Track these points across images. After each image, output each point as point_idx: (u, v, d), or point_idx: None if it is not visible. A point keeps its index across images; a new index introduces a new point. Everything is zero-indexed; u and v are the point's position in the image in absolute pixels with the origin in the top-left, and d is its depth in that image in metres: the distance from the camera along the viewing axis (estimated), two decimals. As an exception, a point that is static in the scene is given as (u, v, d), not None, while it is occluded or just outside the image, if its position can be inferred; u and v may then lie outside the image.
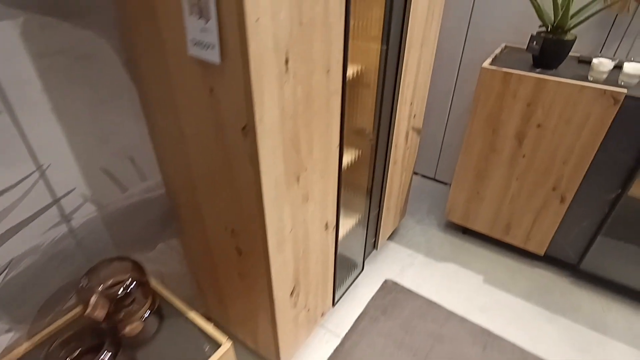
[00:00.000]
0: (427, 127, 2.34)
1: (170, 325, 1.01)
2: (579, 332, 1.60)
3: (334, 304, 1.56)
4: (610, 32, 1.63)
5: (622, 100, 1.37)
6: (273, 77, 0.76)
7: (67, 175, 0.94)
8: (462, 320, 1.63)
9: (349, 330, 1.58)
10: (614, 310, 1.70)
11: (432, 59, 1.55)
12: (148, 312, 0.96)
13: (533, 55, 1.59)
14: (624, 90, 1.35)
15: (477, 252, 1.98)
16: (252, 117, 0.76)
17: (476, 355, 1.49)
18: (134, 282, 0.93)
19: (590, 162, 1.52)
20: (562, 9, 1.46)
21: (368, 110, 1.30)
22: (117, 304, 0.89)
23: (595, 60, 1.45)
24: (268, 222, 0.93)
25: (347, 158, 1.33)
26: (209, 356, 0.93)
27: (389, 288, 1.76)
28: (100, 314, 0.85)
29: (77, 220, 0.99)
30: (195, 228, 1.20)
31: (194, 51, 0.76)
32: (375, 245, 1.82)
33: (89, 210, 1.01)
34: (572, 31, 1.55)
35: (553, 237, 1.77)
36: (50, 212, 0.92)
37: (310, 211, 1.10)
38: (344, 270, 1.64)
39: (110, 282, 0.95)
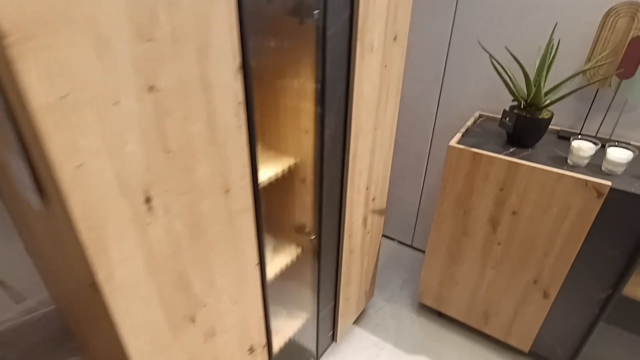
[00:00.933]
0: (402, 191, 2.16)
1: None
2: None
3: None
4: (593, 106, 1.46)
5: (606, 193, 1.19)
6: (125, 223, 0.58)
7: None
8: None
9: None
10: None
11: (392, 137, 1.38)
12: None
13: (507, 132, 1.42)
14: (609, 183, 1.17)
15: (453, 340, 1.75)
16: (94, 277, 0.57)
17: None
18: None
19: (574, 256, 1.32)
20: (534, 86, 1.30)
21: (307, 206, 1.12)
22: None
23: (574, 144, 1.28)
24: (147, 382, 0.72)
25: (284, 260, 1.13)
26: None
27: (348, 392, 1.52)
28: None
29: None
30: (93, 348, 0.99)
31: (18, 187, 0.58)
32: (334, 338, 1.59)
33: None
34: (550, 107, 1.39)
35: (538, 333, 1.54)
36: None
37: (221, 344, 0.89)
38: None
39: None
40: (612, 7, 1.29)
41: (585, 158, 1.27)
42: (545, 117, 1.34)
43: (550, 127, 1.54)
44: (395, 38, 1.14)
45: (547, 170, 1.24)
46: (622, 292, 1.30)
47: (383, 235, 2.45)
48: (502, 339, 1.64)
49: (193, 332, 0.79)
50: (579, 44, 1.41)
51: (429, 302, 1.78)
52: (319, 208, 1.10)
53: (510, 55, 1.48)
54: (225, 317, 0.87)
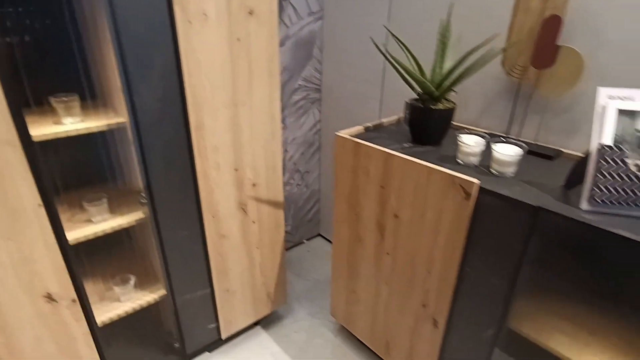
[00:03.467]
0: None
1: None
2: None
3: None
4: (517, 105, 1.21)
5: (475, 195, 0.95)
6: None
7: None
8: None
9: None
10: None
11: (274, 123, 1.31)
12: None
13: (409, 128, 1.25)
14: (476, 181, 0.94)
15: (361, 370, 1.51)
16: None
17: None
18: None
19: (455, 276, 1.07)
20: (420, 71, 1.14)
21: (134, 164, 1.11)
22: None
23: (461, 137, 1.07)
24: None
25: (120, 221, 1.13)
26: None
27: (215, 393, 1.40)
28: None
29: None
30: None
31: None
32: (219, 334, 1.50)
33: None
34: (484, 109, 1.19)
35: (436, 375, 1.25)
36: None
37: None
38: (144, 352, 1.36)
39: None
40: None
41: (471, 155, 1.05)
42: (445, 107, 1.15)
43: (477, 130, 1.31)
44: (250, 12, 1.12)
45: (417, 164, 1.05)
46: (509, 327, 1.00)
47: (323, 238, 2.28)
48: (404, 376, 1.37)
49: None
50: (495, 31, 1.20)
51: (340, 320, 1.58)
52: (144, 166, 1.08)
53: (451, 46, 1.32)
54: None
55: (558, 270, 0.86)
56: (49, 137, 0.96)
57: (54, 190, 1.24)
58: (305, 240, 2.28)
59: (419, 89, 1.19)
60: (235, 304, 1.49)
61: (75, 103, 1.01)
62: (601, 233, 0.77)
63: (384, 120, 1.42)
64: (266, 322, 1.73)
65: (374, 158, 1.16)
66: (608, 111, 0.81)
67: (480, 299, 1.04)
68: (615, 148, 0.79)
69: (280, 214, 1.48)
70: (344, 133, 1.26)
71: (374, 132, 1.32)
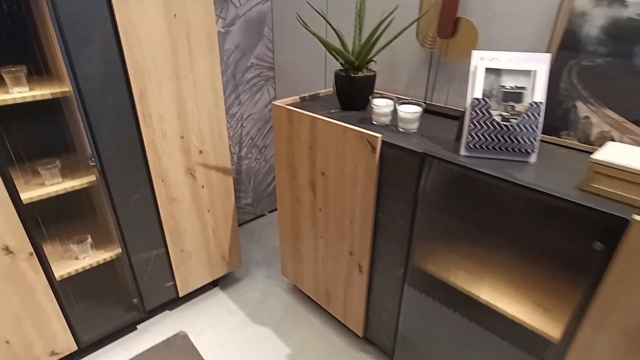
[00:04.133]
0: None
1: None
2: None
3: (79, 344, 1.41)
4: (431, 73, 1.35)
5: (379, 148, 1.10)
6: None
7: None
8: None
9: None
10: None
11: (217, 95, 1.43)
12: None
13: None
14: (379, 135, 1.08)
15: (307, 321, 1.66)
16: None
17: None
18: None
19: (372, 225, 1.22)
20: (343, 45, 1.27)
21: (81, 131, 1.22)
22: None
23: (374, 101, 1.21)
24: None
25: (72, 183, 1.25)
26: None
27: (171, 343, 1.54)
28: None
29: None
30: None
31: None
32: (177, 292, 1.64)
33: None
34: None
35: (365, 317, 1.41)
36: None
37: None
38: (100, 309, 1.49)
39: None
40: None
41: (382, 115, 1.19)
42: (365, 75, 1.28)
43: (390, 94, 1.45)
44: (186, -10, 1.23)
45: (335, 124, 1.18)
46: (416, 265, 1.16)
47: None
48: (343, 320, 1.53)
49: None
50: (410, 5, 1.33)
51: (290, 278, 1.73)
52: (91, 132, 1.20)
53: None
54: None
55: (446, 208, 1.01)
56: (-2, 104, 1.06)
57: (8, 159, 1.34)
58: (266, 213, 2.42)
59: (342, 60, 1.32)
60: (190, 264, 1.62)
61: (22, 74, 1.11)
62: (470, 171, 0.92)
63: (321, 91, 1.55)
64: (224, 283, 1.87)
65: (303, 123, 1.30)
66: (478, 70, 0.95)
67: (392, 241, 1.19)
68: (482, 101, 0.94)
69: (230, 180, 1.61)
70: (280, 102, 1.39)
71: (309, 102, 1.45)
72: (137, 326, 1.63)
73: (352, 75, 1.28)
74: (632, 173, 0.75)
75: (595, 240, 0.76)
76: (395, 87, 1.51)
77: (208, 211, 1.59)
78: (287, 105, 1.36)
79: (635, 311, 0.74)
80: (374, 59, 1.29)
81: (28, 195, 1.17)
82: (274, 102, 1.39)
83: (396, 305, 1.28)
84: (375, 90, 1.51)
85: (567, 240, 0.81)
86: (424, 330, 1.21)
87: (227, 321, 1.67)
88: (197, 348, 1.53)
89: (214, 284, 1.85)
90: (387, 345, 1.38)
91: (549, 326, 0.91)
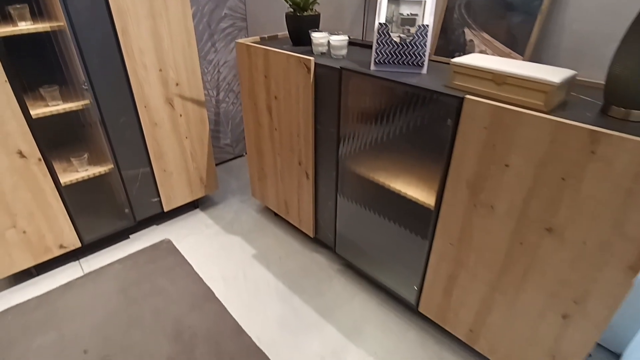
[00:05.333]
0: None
1: None
2: (302, 315, 1.54)
3: (82, 242, 1.74)
4: (366, 14, 1.61)
5: (313, 69, 1.38)
6: None
7: None
8: (198, 282, 1.67)
9: (95, 270, 1.73)
10: (360, 301, 1.59)
11: (189, 35, 1.69)
12: None
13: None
14: (311, 58, 1.36)
15: (273, 232, 1.99)
16: None
17: (184, 313, 1.54)
18: None
19: (313, 134, 1.51)
20: (288, -14, 1.52)
21: (74, 61, 1.50)
22: None
23: (313, 34, 1.48)
24: None
25: (68, 105, 1.53)
26: None
27: (157, 246, 1.88)
28: None
29: None
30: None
31: None
32: (162, 207, 1.96)
33: None
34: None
35: (314, 218, 1.74)
36: None
37: (-21, 132, 1.33)
38: (97, 214, 1.81)
39: None
40: None
41: (319, 45, 1.46)
42: (306, 15, 1.55)
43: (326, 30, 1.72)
44: (157, -60, 1.47)
45: (281, 53, 1.46)
46: (346, 167, 1.46)
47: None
48: (298, 226, 1.85)
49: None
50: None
51: (258, 197, 2.05)
52: (84, 62, 1.47)
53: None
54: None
55: (362, 114, 1.30)
56: (7, 34, 1.33)
57: (20, 83, 1.62)
58: (245, 153, 2.72)
59: (290, 2, 1.58)
60: (173, 183, 1.93)
61: (26, 10, 1.38)
62: (374, 79, 1.21)
63: (279, 33, 1.81)
64: (204, 206, 2.19)
65: (259, 55, 1.57)
66: (382, 1, 1.22)
67: (327, 147, 1.49)
68: (384, 25, 1.21)
69: (204, 111, 1.89)
70: (242, 40, 1.66)
71: (268, 42, 1.72)
72: (130, 236, 1.96)
73: (298, 14, 1.54)
74: (475, 69, 1.03)
75: (448, 118, 1.06)
76: (342, 27, 1.77)
77: (186, 137, 1.88)
78: (247, 42, 1.63)
79: (471, 165, 1.04)
80: (317, 0, 1.55)
81: (35, 111, 1.46)
82: (237, 40, 1.66)
83: (334, 205, 1.59)
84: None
85: (435, 124, 1.10)
86: (353, 226, 1.53)
87: (204, 232, 1.99)
88: (179, 250, 1.86)
89: (194, 206, 2.17)
90: (331, 241, 1.71)
91: (429, 197, 1.22)
